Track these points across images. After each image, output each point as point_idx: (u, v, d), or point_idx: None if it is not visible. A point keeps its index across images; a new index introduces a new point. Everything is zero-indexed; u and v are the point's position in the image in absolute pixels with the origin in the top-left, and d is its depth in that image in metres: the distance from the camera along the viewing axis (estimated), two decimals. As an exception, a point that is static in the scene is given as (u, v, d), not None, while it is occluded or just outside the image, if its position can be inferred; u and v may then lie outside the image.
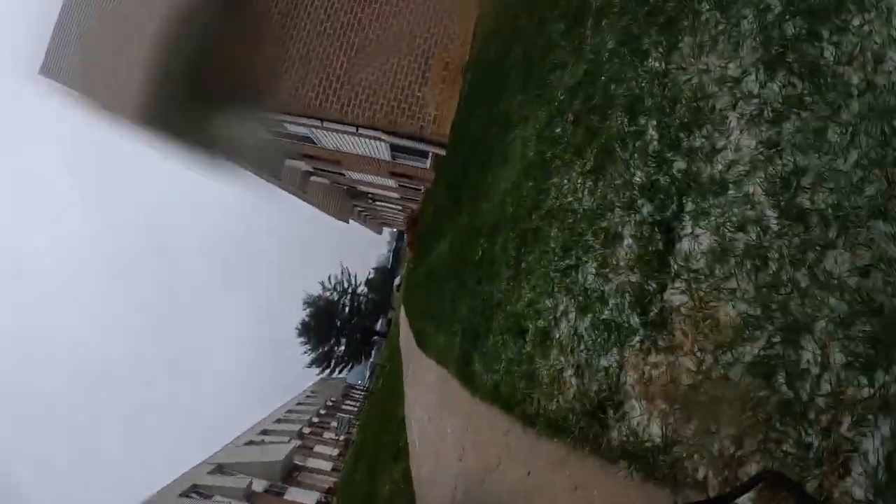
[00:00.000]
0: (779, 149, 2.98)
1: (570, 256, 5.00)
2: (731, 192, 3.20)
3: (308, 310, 61.83)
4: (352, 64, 17.30)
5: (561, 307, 4.99)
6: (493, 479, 5.77)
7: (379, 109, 16.92)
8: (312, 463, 52.02)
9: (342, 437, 51.93)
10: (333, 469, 50.02)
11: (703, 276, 3.23)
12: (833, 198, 2.61)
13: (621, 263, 4.12)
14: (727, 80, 3.55)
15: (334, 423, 55.91)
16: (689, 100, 3.80)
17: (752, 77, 3.37)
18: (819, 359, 2.53)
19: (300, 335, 61.58)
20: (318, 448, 56.47)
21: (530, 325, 5.58)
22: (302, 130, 19.72)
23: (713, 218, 3.26)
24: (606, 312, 4.15)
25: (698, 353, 3.14)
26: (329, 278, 64.39)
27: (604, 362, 4.04)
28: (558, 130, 6.22)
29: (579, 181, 5.21)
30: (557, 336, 4.91)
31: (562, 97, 6.48)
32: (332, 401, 71.94)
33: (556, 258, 5.28)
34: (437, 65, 17.26)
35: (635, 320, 3.74)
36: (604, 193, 4.62)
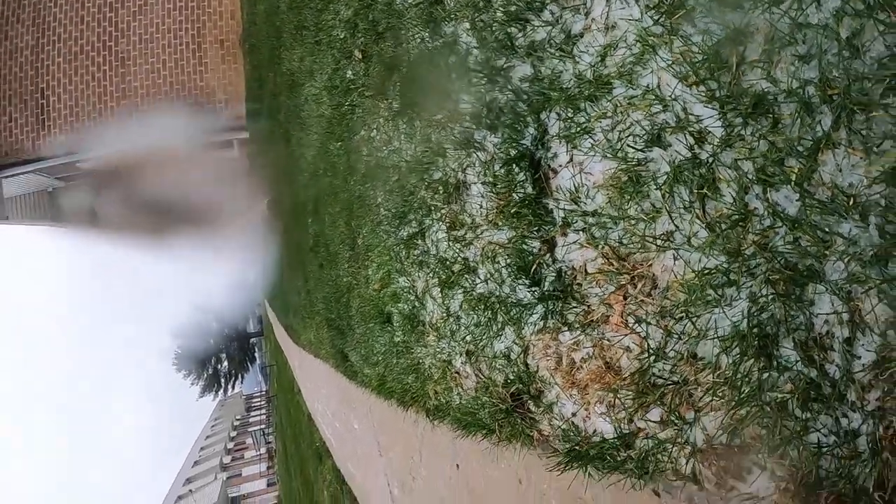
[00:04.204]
0: (687, 8, 1.71)
1: (407, 223, 3.78)
2: (617, 90, 1.97)
3: (177, 342, 58.70)
4: (122, 74, 15.00)
5: (420, 284, 3.82)
6: (423, 474, 4.84)
7: (165, 110, 14.82)
8: (248, 487, 51.01)
9: (263, 450, 50.72)
10: (269, 484, 48.93)
11: (609, 220, 2.07)
12: (811, 70, 1.47)
13: (479, 219, 2.93)
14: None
15: (250, 440, 54.43)
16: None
17: None
18: (845, 315, 1.49)
19: (179, 369, 58.57)
20: (246, 471, 55.34)
21: (392, 310, 4.41)
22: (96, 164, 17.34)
23: (599, 134, 2.04)
24: (481, 286, 2.99)
25: (637, 328, 2.05)
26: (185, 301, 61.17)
27: (500, 346, 2.92)
28: (349, 74, 4.87)
29: (390, 127, 3.93)
30: (428, 319, 3.76)
31: (342, 35, 5.14)
32: (238, 419, 69.94)
33: (392, 227, 4.05)
34: (211, 47, 15.27)
35: (524, 293, 2.61)
36: (426, 135, 3.35)
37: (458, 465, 3.98)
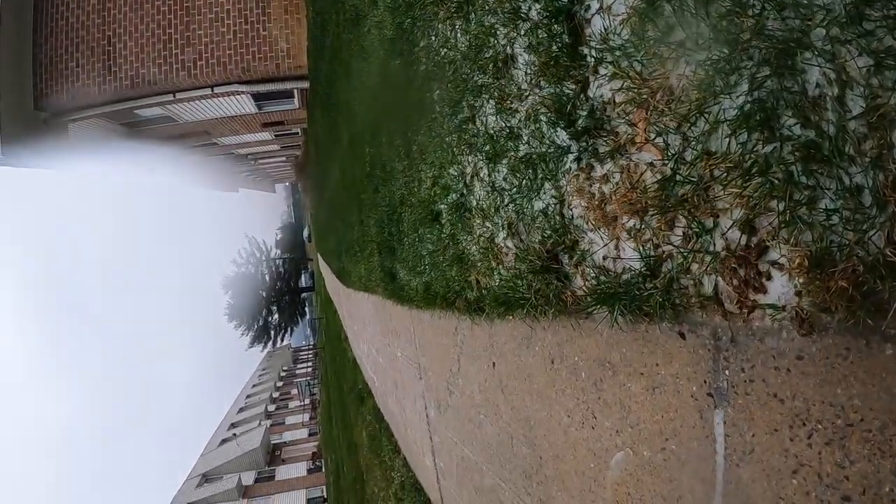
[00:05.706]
0: None
1: (461, 109, 4.11)
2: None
3: (229, 292, 59.75)
4: (186, 23, 15.56)
5: (469, 169, 4.16)
6: (459, 385, 5.08)
7: (229, 61, 15.33)
8: (289, 436, 51.93)
9: (307, 401, 51.73)
10: (311, 434, 49.90)
11: (632, 47, 2.39)
12: None
13: (524, 85, 3.24)
14: None
15: (295, 391, 55.59)
16: None
17: None
18: (833, 74, 1.72)
19: (230, 319, 59.61)
20: (289, 420, 56.39)
21: (441, 206, 4.78)
22: (157, 112, 18.00)
23: (624, -26, 2.40)
24: (523, 147, 3.32)
25: (658, 140, 2.37)
26: (239, 253, 62.23)
27: (539, 205, 3.23)
28: (409, -9, 5.27)
29: (448, 27, 4.27)
30: (475, 203, 4.10)
31: (403, -43, 5.52)
32: (284, 370, 71.23)
33: (446, 120, 4.39)
34: (275, -2, 15.78)
35: (562, 137, 2.91)
36: (479, 21, 3.68)
37: (493, 364, 4.20)
